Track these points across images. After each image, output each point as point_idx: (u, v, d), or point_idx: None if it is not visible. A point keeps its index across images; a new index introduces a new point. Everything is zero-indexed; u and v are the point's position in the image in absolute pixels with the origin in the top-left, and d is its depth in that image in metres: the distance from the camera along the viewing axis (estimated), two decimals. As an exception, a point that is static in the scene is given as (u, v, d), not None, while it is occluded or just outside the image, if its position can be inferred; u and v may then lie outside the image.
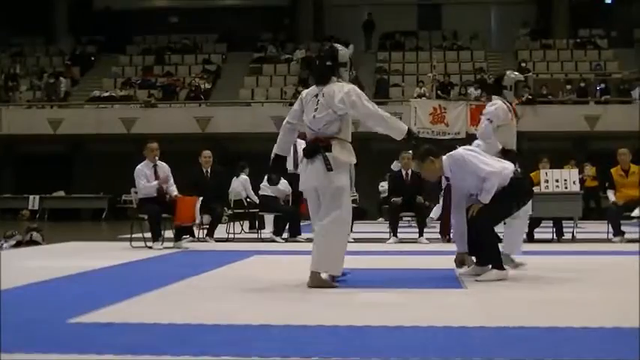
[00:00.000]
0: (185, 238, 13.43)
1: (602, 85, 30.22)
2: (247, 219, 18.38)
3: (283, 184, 15.17)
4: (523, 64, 32.52)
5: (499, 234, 8.71)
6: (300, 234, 15.38)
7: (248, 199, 17.64)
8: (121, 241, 14.52)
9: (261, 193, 15.63)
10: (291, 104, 31.06)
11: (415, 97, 28.88)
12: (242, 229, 17.76)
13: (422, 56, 35.07)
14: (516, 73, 9.89)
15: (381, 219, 24.86)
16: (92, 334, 5.12)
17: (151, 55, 36.71)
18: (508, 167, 8.39)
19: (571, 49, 35.37)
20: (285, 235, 15.33)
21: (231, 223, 16.38)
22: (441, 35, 38.02)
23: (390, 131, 7.70)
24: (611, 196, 14.90)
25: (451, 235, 9.24)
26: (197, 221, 13.89)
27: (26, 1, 37.11)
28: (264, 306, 6.43)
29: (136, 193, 13.53)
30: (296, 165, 15.25)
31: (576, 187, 14.62)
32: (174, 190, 13.42)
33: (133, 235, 13.22)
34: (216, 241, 14.86)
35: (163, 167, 13.45)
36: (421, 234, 14.73)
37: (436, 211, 15.25)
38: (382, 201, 22.51)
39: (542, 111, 28.14)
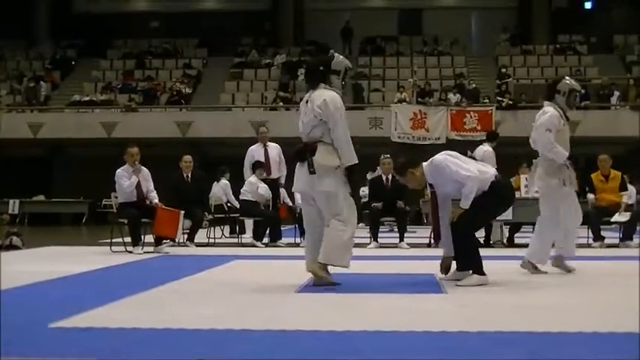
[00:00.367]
0: (165, 243, 13.43)
1: (582, 91, 30.21)
2: (228, 224, 18.36)
3: (263, 189, 15.19)
4: (503, 70, 32.65)
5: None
6: (280, 238, 15.40)
7: (229, 204, 17.63)
8: (101, 245, 14.49)
9: (241, 197, 15.61)
10: (272, 109, 31.09)
11: (396, 103, 28.93)
12: (222, 233, 17.73)
13: (402, 61, 35.17)
14: (574, 82, 9.78)
15: (361, 224, 24.82)
16: (73, 338, 5.10)
17: (132, 59, 36.65)
18: (488, 172, 8.41)
19: (551, 55, 35.52)
20: (266, 239, 15.33)
21: (212, 228, 16.35)
22: (422, 40, 38.11)
23: (342, 155, 7.85)
24: (591, 198, 14.95)
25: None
26: (178, 238, 13.87)
27: (6, 4, 36.93)
28: (244, 310, 6.43)
29: (116, 197, 13.50)
30: (269, 171, 15.34)
31: (556, 192, 14.64)
32: (154, 197, 13.39)
33: (113, 240, 13.19)
34: (197, 245, 14.83)
35: (143, 172, 13.41)
36: (402, 239, 14.76)
37: None
38: (363, 206, 22.51)
39: (522, 116, 28.19)
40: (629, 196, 15.50)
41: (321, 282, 7.88)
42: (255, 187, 15.15)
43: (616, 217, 14.72)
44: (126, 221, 13.20)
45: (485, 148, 15.36)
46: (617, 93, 29.83)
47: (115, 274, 9.83)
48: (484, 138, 26.68)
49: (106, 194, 20.69)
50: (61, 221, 29.64)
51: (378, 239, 14.89)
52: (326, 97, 7.89)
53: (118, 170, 13.34)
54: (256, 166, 15.28)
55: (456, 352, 4.66)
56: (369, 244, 14.64)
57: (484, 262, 8.19)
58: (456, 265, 8.46)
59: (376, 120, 28.23)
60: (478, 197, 8.12)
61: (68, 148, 31.49)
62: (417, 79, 29.69)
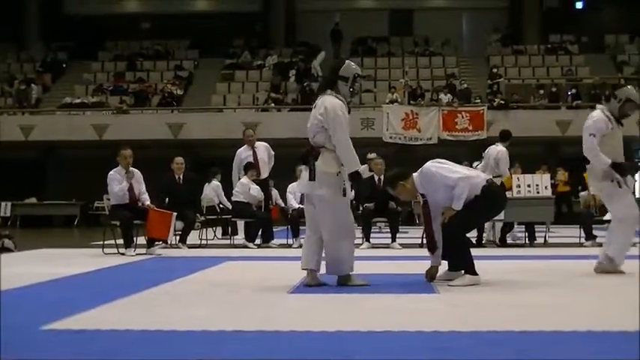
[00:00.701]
0: (157, 245, 13.42)
1: (574, 91, 30.38)
2: (220, 225, 18.36)
3: (255, 190, 15.19)
4: (495, 70, 32.68)
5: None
6: (272, 239, 15.40)
7: (221, 205, 17.62)
8: (93, 247, 14.47)
9: (233, 199, 15.61)
10: (264, 110, 31.02)
11: (387, 103, 28.93)
12: (215, 235, 17.74)
13: (394, 62, 35.14)
14: (635, 92, 9.64)
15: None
16: (65, 340, 5.10)
17: (123, 61, 36.56)
18: (479, 176, 8.44)
19: (542, 55, 35.53)
20: (258, 241, 15.32)
21: (204, 230, 16.35)
22: (413, 41, 38.08)
23: (344, 162, 7.93)
24: (584, 195, 14.98)
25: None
26: (170, 239, 13.89)
27: (-4, 8, 36.90)
28: (237, 311, 6.43)
29: (109, 199, 13.48)
30: (258, 172, 15.36)
31: (548, 192, 14.70)
32: (146, 199, 13.37)
33: (106, 242, 13.17)
34: (189, 247, 14.83)
35: (136, 174, 13.40)
36: (394, 239, 14.77)
37: None
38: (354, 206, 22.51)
39: (513, 116, 28.27)
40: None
41: (316, 283, 7.98)
42: (247, 189, 15.15)
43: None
44: (118, 223, 13.18)
45: (499, 148, 15.37)
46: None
47: (107, 276, 9.83)
48: (477, 138, 27.05)
49: (98, 196, 20.66)
50: (53, 223, 29.60)
51: (370, 239, 14.88)
52: (327, 104, 7.97)
53: (110, 172, 13.32)
54: (248, 167, 15.28)
55: (448, 352, 4.67)
56: (362, 244, 14.62)
57: (476, 262, 8.21)
58: (448, 265, 8.47)
59: (368, 121, 28.23)
60: (470, 201, 8.12)
61: (60, 150, 31.44)
62: (409, 80, 29.71)
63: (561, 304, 6.73)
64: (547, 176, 15.87)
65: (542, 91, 30.38)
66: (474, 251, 8.41)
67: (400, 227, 15.53)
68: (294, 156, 14.90)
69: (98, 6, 39.59)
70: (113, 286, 8.40)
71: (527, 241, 14.95)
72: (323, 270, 8.14)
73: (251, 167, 15.27)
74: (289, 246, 15.00)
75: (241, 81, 34.22)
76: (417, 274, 8.67)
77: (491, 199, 8.40)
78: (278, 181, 16.36)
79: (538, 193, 14.46)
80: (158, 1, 40.66)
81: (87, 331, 5.40)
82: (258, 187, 15.25)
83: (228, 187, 16.35)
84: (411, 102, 28.67)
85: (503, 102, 29.25)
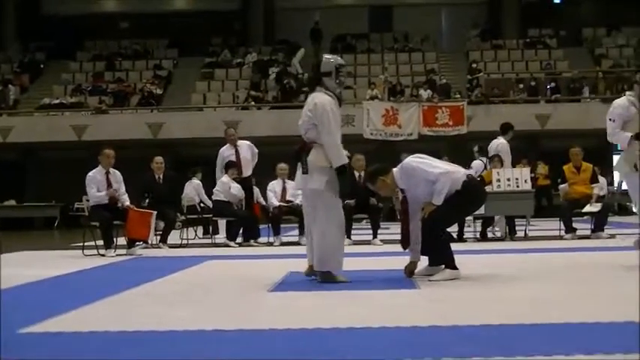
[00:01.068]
0: (138, 245, 13.38)
1: (553, 84, 30.50)
2: (201, 224, 18.31)
3: (236, 189, 15.16)
4: (474, 65, 32.76)
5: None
6: (259, 237, 15.38)
7: (201, 204, 17.58)
8: (73, 249, 14.41)
9: (214, 198, 15.59)
10: (244, 108, 30.98)
11: (367, 99, 28.94)
12: (196, 234, 17.70)
13: (373, 58, 35.18)
14: None
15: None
16: (42, 343, 5.07)
17: (102, 61, 36.47)
18: (460, 171, 8.45)
19: (521, 49, 35.69)
20: (239, 239, 15.30)
21: (185, 229, 16.32)
22: (393, 37, 38.14)
23: (330, 157, 8.03)
24: (564, 188, 15.03)
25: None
26: (150, 239, 13.86)
27: (-27, 8, 36.72)
28: (217, 311, 6.42)
29: (88, 200, 13.43)
30: (240, 170, 15.34)
31: (528, 186, 14.75)
32: (126, 200, 13.33)
33: (86, 243, 13.12)
34: (170, 247, 14.78)
35: (116, 175, 13.36)
36: (375, 236, 14.78)
37: None
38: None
39: (493, 110, 28.31)
40: (600, 187, 15.67)
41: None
42: (227, 187, 15.12)
43: (587, 208, 14.83)
44: (98, 224, 13.13)
45: (500, 141, 15.45)
46: (587, 87, 30.03)
47: (87, 277, 9.79)
48: (457, 133, 27.10)
49: (77, 197, 20.54)
50: (33, 225, 29.48)
51: (352, 236, 14.88)
52: (317, 100, 8.13)
53: (89, 174, 13.27)
54: (229, 165, 15.25)
55: (428, 347, 4.65)
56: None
57: (456, 257, 8.22)
58: (428, 260, 8.48)
59: (348, 117, 28.16)
60: (451, 196, 8.13)
61: (39, 151, 31.34)
62: (389, 76, 29.71)
63: (542, 298, 6.73)
64: (527, 170, 15.94)
65: (521, 85, 30.48)
66: (454, 246, 8.43)
67: (381, 223, 15.54)
68: (275, 154, 15.01)
69: (76, 5, 39.41)
70: (93, 288, 8.36)
71: (507, 235, 14.98)
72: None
73: (232, 166, 15.24)
74: (270, 244, 14.98)
75: (221, 79, 34.19)
76: (398, 270, 8.67)
77: (471, 194, 8.42)
78: (259, 179, 16.33)
79: (518, 187, 14.50)
80: (136, 0, 40.55)
81: (65, 333, 5.37)
82: (238, 185, 15.22)
83: (209, 186, 16.31)
84: (391, 98, 28.67)
85: (480, 95, 29.36)
